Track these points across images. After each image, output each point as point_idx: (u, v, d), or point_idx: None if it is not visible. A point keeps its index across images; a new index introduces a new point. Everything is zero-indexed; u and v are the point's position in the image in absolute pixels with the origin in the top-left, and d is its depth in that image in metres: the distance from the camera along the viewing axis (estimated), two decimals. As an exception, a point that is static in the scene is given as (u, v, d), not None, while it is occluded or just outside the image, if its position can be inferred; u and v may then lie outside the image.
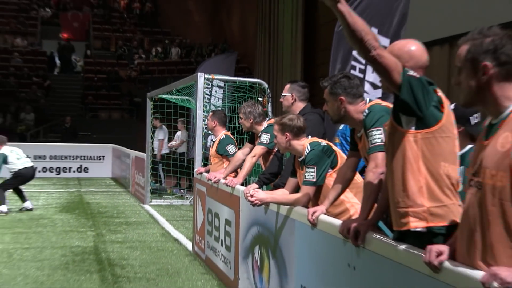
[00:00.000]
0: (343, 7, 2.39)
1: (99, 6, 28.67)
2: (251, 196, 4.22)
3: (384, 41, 6.31)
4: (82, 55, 26.04)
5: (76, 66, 26.14)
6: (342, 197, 3.70)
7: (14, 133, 19.34)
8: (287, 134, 4.05)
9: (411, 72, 2.49)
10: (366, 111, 3.18)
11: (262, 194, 4.23)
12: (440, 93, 2.59)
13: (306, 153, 3.91)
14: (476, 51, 2.10)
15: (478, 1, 9.16)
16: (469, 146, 3.25)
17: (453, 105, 3.75)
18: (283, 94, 5.10)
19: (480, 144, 2.17)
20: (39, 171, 16.23)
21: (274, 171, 5.02)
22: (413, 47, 2.77)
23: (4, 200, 9.62)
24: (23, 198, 9.96)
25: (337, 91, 3.35)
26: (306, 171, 3.83)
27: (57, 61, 25.57)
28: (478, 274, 1.97)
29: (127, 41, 26.80)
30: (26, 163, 9.98)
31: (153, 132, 12.83)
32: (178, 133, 13.24)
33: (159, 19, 28.87)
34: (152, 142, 12.52)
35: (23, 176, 9.87)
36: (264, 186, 5.06)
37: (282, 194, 4.19)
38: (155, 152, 13.02)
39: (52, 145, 17.43)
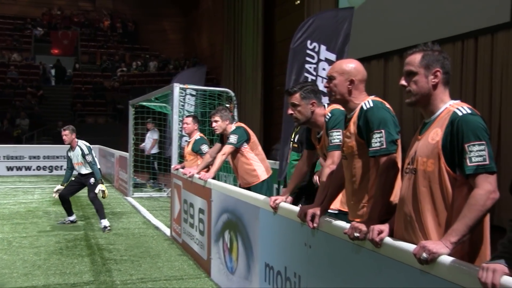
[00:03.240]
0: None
1: (85, 26, 28.13)
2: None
3: (331, 56, 6.41)
4: (71, 69, 25.52)
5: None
6: None
7: (11, 136, 18.84)
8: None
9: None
10: (329, 114, 3.16)
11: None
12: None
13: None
14: (430, 59, 2.21)
15: (407, 25, 9.38)
16: None
17: None
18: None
19: (416, 138, 2.27)
20: (34, 170, 15.91)
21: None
22: (357, 64, 2.79)
23: (104, 211, 7.45)
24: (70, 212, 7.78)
25: (309, 95, 3.33)
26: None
27: (52, 74, 25.01)
28: (411, 247, 2.04)
29: (110, 56, 26.39)
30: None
31: (144, 134, 12.68)
32: (149, 133, 12.90)
33: (138, 37, 28.51)
34: (139, 142, 12.34)
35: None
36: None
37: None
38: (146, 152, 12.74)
39: (45, 146, 17.02)
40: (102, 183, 7.33)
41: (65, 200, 7.61)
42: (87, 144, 7.59)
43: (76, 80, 24.27)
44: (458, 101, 2.21)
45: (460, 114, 2.08)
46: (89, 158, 7.40)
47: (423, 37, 8.92)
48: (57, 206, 9.43)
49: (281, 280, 3.35)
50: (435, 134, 2.13)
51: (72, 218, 7.71)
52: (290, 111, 3.43)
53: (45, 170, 16.10)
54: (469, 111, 2.09)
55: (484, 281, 1.67)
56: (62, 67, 25.05)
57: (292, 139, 4.65)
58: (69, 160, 7.72)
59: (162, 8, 27.94)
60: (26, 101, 21.20)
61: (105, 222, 7.28)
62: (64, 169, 15.83)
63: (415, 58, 2.24)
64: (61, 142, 17.89)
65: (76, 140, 7.53)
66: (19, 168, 15.82)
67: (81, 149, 7.44)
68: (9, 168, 15.73)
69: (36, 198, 10.61)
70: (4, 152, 15.74)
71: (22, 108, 20.50)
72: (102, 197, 7.30)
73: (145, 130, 12.90)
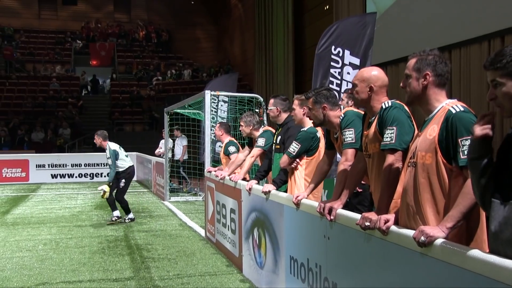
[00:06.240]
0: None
1: (122, 37, 29.09)
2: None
3: (355, 60, 6.64)
4: (108, 79, 26.45)
5: (104, 88, 26.73)
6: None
7: (54, 145, 19.69)
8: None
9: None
10: (342, 115, 3.46)
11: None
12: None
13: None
14: (422, 63, 2.46)
15: (434, 26, 9.44)
16: None
17: None
18: (269, 107, 5.11)
19: (417, 135, 2.51)
20: (76, 177, 16.61)
21: (266, 169, 5.18)
22: (377, 72, 3.03)
23: (129, 206, 8.44)
24: (114, 207, 8.44)
25: (321, 100, 3.61)
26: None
27: (89, 86, 26.14)
28: (411, 232, 2.26)
29: (146, 65, 27.16)
30: (131, 161, 8.59)
31: (173, 140, 13.04)
32: (177, 140, 13.09)
33: (173, 46, 29.25)
34: (172, 149, 12.73)
35: (131, 175, 8.53)
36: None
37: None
38: (175, 158, 13.03)
39: (86, 154, 17.64)
40: (109, 186, 8.18)
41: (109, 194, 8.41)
42: (113, 147, 8.24)
43: (113, 90, 25.11)
44: (454, 100, 2.43)
45: (454, 111, 2.31)
46: (109, 161, 8.21)
47: (450, 37, 9.01)
48: (98, 210, 9.93)
49: (305, 271, 3.60)
50: (432, 130, 2.36)
51: (116, 213, 8.41)
52: (307, 114, 3.73)
53: (87, 177, 16.76)
54: (462, 109, 2.31)
55: None
56: (96, 80, 26.08)
57: (274, 141, 4.92)
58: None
59: (195, 17, 28.62)
60: (67, 111, 22.10)
61: (115, 213, 8.30)
62: (104, 176, 16.32)
63: (411, 62, 2.50)
64: (101, 150, 18.45)
65: (107, 142, 8.29)
66: (62, 176, 16.53)
67: (108, 151, 8.23)
68: (54, 176, 16.46)
69: (79, 204, 11.17)
70: (49, 161, 16.49)
71: (64, 118, 21.38)
72: (101, 196, 8.29)
73: (160, 137, 12.98)
